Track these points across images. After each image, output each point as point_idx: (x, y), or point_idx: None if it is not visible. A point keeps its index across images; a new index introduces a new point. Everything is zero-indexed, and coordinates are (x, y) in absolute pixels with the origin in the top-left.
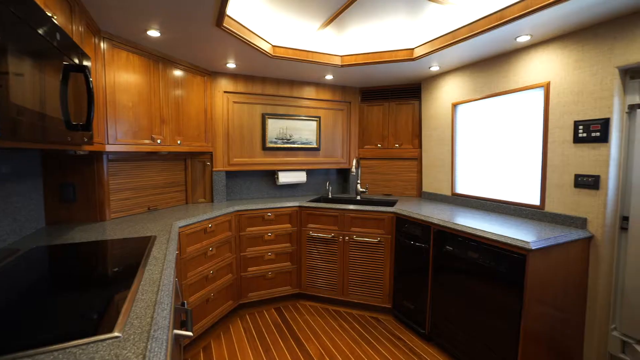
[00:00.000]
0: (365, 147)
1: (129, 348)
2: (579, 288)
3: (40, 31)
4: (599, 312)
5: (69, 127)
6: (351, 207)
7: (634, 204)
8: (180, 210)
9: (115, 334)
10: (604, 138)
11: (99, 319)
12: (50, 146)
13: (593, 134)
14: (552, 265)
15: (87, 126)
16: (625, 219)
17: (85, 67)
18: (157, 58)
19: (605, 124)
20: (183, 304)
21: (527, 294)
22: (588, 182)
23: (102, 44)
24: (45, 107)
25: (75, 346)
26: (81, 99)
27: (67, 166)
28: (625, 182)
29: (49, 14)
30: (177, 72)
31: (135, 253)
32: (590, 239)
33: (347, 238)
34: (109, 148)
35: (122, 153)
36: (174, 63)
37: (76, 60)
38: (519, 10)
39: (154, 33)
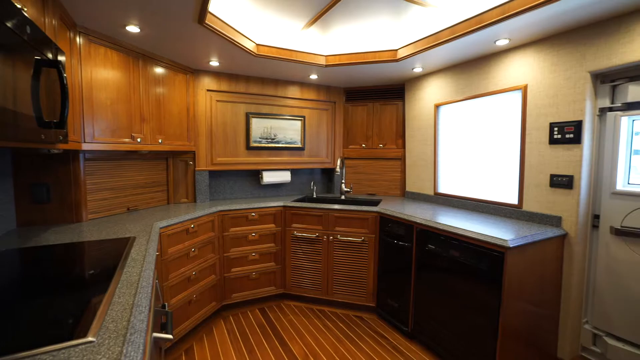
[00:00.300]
0: (350, 147)
1: (103, 353)
2: (554, 284)
3: (8, 24)
4: (572, 307)
5: (41, 124)
6: (335, 206)
7: (604, 203)
8: (162, 211)
9: (89, 338)
10: (577, 139)
11: (72, 323)
12: (20, 144)
13: (567, 136)
14: (529, 262)
15: (61, 124)
16: (596, 217)
17: (59, 62)
18: (137, 54)
19: (578, 126)
20: (164, 306)
21: (505, 291)
22: (562, 182)
23: (77, 39)
24: (16, 104)
25: (45, 352)
26: (55, 96)
27: (41, 165)
28: (596, 181)
29: (19, 6)
30: (158, 70)
31: (112, 255)
32: (564, 236)
33: (331, 238)
34: (85, 147)
35: (100, 152)
36: (155, 60)
37: (49, 55)
38: (497, 15)
39: (133, 29)
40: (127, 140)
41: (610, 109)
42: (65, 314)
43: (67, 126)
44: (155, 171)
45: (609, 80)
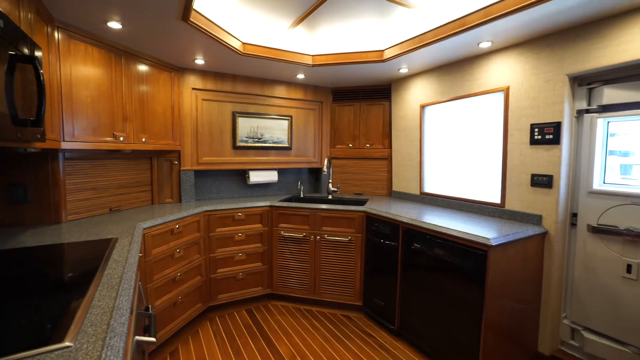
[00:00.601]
0: (337, 146)
1: (80, 358)
2: (535, 281)
3: None
4: (552, 303)
5: (16, 122)
6: (323, 206)
7: (582, 202)
8: (146, 211)
9: (66, 343)
10: (556, 140)
11: (49, 328)
12: None
13: (547, 137)
14: (511, 260)
15: (38, 122)
16: (574, 215)
17: (35, 57)
18: (119, 52)
19: (557, 127)
20: (147, 309)
21: (488, 288)
22: (543, 181)
23: (56, 34)
24: None
25: (18, 359)
26: (31, 93)
27: (18, 165)
28: (574, 181)
29: None
30: (142, 67)
31: (93, 257)
32: (544, 234)
33: (318, 237)
34: (64, 145)
35: (81, 151)
36: (138, 57)
37: (25, 51)
38: (480, 18)
39: (114, 25)
40: (109, 139)
41: (587, 111)
42: (42, 318)
43: (44, 124)
44: (139, 171)
45: (585, 83)
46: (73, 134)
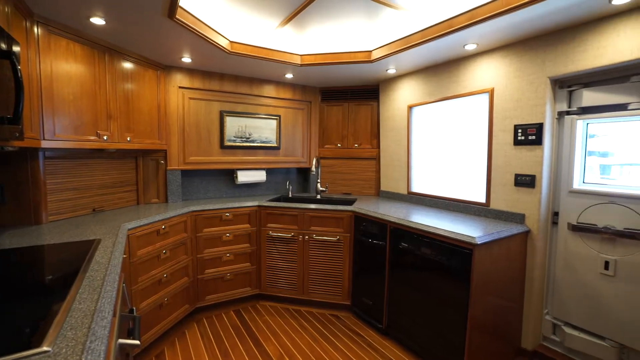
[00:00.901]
0: (325, 146)
1: None
2: (519, 278)
3: None
4: (534, 299)
5: None
6: (311, 206)
7: (563, 201)
8: (131, 212)
9: (44, 348)
10: (538, 141)
11: (26, 333)
12: None
13: (530, 137)
14: (496, 258)
15: (16, 119)
16: (556, 214)
17: (12, 53)
18: (103, 48)
19: (539, 128)
20: (132, 311)
21: (473, 285)
22: (526, 181)
23: (35, 29)
24: None
25: None
26: (9, 89)
27: None
28: (555, 180)
29: None
30: (127, 65)
31: (75, 258)
32: (527, 233)
33: (307, 237)
34: (45, 144)
35: (62, 150)
36: (122, 55)
37: (2, 46)
38: (466, 20)
39: (97, 20)
40: (92, 137)
41: (568, 113)
42: (19, 323)
43: (22, 122)
44: (124, 170)
45: (566, 85)
46: (54, 133)
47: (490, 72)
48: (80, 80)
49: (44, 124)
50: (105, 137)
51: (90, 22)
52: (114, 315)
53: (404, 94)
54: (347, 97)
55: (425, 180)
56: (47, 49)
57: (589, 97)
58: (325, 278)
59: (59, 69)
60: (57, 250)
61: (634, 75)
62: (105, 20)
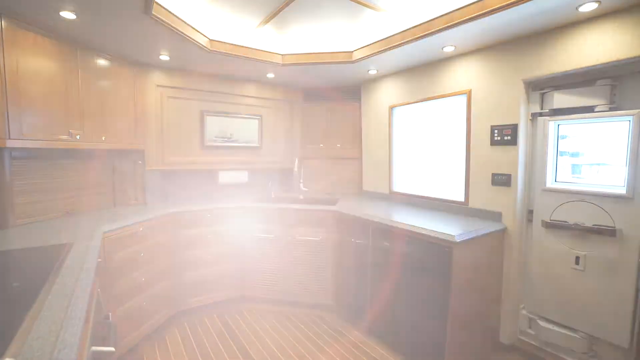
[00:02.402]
0: (308, 146)
1: None
2: (496, 274)
3: None
4: (511, 295)
5: None
6: (294, 206)
7: (537, 199)
8: (107, 214)
9: (7, 359)
10: (513, 141)
11: None
12: None
13: (505, 138)
14: (474, 255)
15: None
16: (530, 212)
17: None
18: (74, 44)
19: (514, 129)
20: (107, 317)
21: (453, 282)
22: (502, 180)
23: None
24: None
25: None
26: None
27: None
28: (530, 179)
29: None
30: (101, 62)
31: (43, 264)
32: (504, 230)
33: (290, 237)
34: (10, 143)
35: (31, 150)
36: (96, 51)
37: None
38: (443, 23)
39: (68, 15)
40: (64, 137)
41: (540, 114)
42: None
43: None
44: (100, 171)
45: (538, 88)
46: (21, 132)
47: (467, 74)
48: (50, 77)
49: (9, 122)
50: (77, 137)
51: (60, 16)
52: (87, 322)
53: (386, 94)
54: (330, 97)
55: (406, 179)
56: (12, 44)
57: (560, 99)
58: (308, 278)
59: (26, 65)
60: (24, 255)
61: (600, 79)
62: (76, 14)
